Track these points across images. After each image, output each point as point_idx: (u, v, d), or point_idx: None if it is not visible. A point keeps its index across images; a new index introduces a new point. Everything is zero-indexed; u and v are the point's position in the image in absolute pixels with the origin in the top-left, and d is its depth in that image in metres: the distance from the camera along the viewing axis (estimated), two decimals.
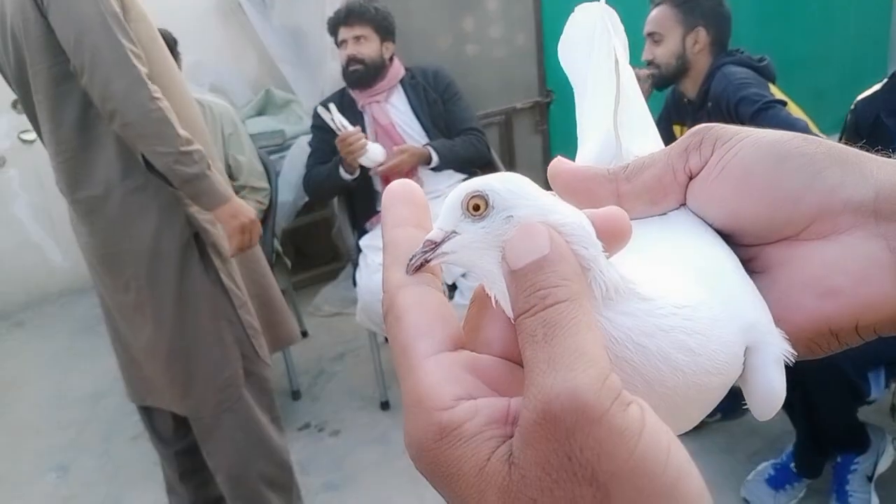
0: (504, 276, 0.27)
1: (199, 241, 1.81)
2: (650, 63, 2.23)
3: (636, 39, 2.80)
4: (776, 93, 2.12)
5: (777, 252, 0.32)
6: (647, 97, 2.25)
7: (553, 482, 0.23)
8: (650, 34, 2.22)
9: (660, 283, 0.29)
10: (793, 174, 0.31)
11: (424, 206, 0.32)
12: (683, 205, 0.34)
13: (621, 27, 0.42)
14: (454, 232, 0.29)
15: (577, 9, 0.43)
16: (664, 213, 0.35)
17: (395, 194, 0.32)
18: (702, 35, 2.18)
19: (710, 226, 0.34)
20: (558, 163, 0.35)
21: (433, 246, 0.29)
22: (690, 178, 0.33)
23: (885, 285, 0.30)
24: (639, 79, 2.19)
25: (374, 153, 2.54)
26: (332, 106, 2.56)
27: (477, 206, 0.28)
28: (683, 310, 0.29)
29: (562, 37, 0.44)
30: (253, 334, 1.93)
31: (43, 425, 2.95)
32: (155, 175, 1.69)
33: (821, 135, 2.23)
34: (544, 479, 0.23)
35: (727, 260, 0.33)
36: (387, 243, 0.31)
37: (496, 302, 0.28)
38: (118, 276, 1.78)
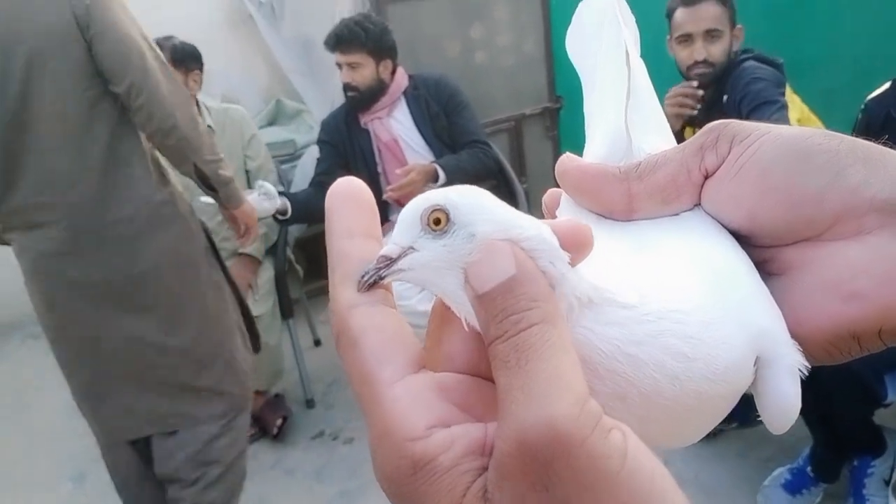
0: (470, 300, 0.25)
1: (210, 243, 1.93)
2: (702, 62, 2.17)
3: (656, 33, 2.78)
4: (787, 94, 2.12)
5: (796, 253, 0.31)
6: (694, 110, 2.23)
7: None
8: (708, 31, 2.15)
9: (646, 287, 0.28)
10: (815, 172, 0.29)
11: (373, 210, 0.30)
12: (697, 205, 0.33)
13: (632, 18, 0.41)
14: (411, 248, 0.27)
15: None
16: (676, 214, 0.33)
17: (340, 195, 0.29)
18: (741, 33, 2.18)
19: (726, 228, 0.32)
20: (567, 160, 0.34)
21: (388, 262, 0.27)
22: (706, 178, 0.32)
23: None
24: (688, 97, 2.20)
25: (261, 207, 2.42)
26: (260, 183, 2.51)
27: (438, 221, 0.26)
28: (673, 313, 0.27)
29: (569, 28, 0.43)
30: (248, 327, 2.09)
31: (60, 433, 2.96)
32: (200, 184, 1.81)
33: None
34: None
35: (740, 264, 0.31)
36: (334, 256, 0.28)
37: (467, 324, 0.26)
38: (145, 293, 1.78)
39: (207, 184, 1.80)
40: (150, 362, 1.82)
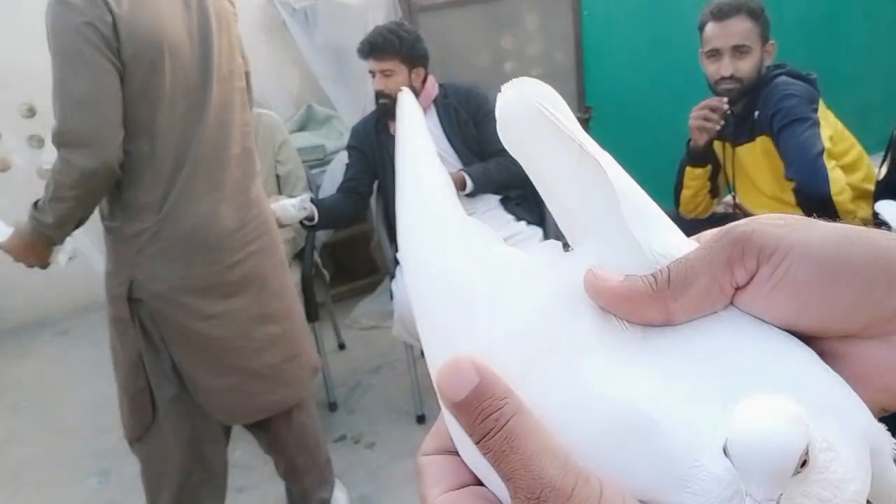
0: (446, 409, 0.31)
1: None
2: (729, 78, 2.16)
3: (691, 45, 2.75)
4: (820, 110, 2.10)
5: (829, 345, 0.33)
6: (718, 125, 2.22)
7: None
8: (736, 47, 2.14)
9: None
10: (845, 292, 0.31)
11: None
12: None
13: (562, 102, 0.38)
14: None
15: (503, 90, 0.39)
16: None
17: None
18: (773, 48, 2.17)
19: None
20: (596, 282, 0.34)
21: None
22: (737, 289, 0.33)
23: None
24: (713, 110, 2.19)
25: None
26: None
27: (804, 462, 0.26)
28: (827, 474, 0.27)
29: (498, 125, 0.39)
30: None
31: (85, 430, 3.01)
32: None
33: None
34: None
35: (810, 361, 0.32)
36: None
37: None
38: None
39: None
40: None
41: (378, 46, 2.58)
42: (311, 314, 2.81)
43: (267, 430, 2.04)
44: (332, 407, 2.91)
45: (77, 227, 1.73)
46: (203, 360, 1.83)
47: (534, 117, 0.37)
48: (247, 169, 1.86)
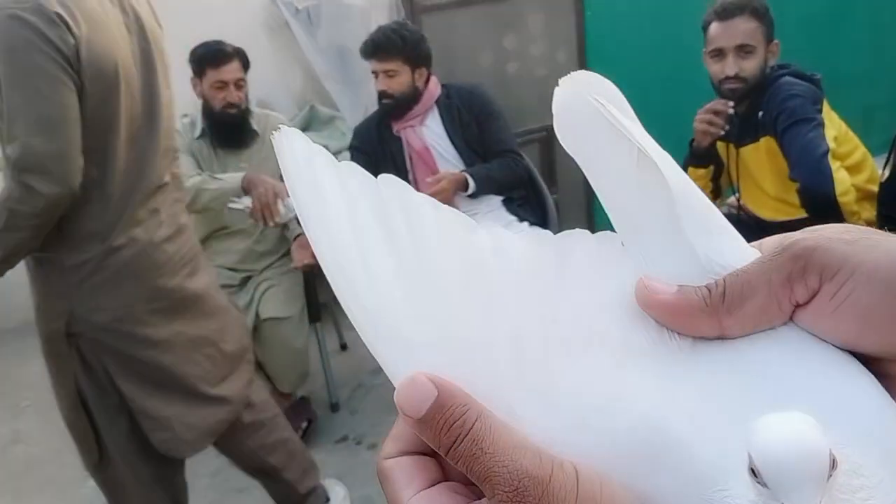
0: (411, 427, 0.31)
1: None
2: (734, 77, 2.16)
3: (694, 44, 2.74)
4: (824, 110, 2.10)
5: (890, 366, 0.32)
6: (722, 129, 2.21)
7: None
8: (740, 46, 2.14)
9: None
10: None
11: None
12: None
13: (620, 96, 0.37)
14: None
15: (561, 84, 0.37)
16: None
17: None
18: (777, 48, 2.17)
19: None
20: (647, 293, 0.33)
21: None
22: (796, 306, 0.32)
23: None
24: (718, 113, 2.19)
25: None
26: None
27: (834, 462, 0.26)
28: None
29: (555, 122, 0.38)
30: None
31: None
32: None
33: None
34: None
35: (865, 385, 0.30)
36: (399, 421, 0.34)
37: None
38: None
39: None
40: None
41: (381, 46, 2.58)
42: (314, 314, 2.81)
43: (225, 445, 2.02)
44: (334, 408, 2.91)
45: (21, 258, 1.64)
46: (152, 389, 1.77)
47: (590, 113, 0.36)
48: (177, 194, 1.85)
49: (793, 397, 0.29)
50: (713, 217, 0.35)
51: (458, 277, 0.34)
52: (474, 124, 2.71)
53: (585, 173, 0.37)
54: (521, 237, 0.35)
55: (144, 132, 1.69)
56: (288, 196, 2.53)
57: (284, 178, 0.35)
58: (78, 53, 1.49)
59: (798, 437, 0.26)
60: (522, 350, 0.32)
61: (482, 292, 0.33)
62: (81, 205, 1.59)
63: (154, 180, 1.73)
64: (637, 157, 0.35)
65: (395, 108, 2.65)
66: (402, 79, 2.60)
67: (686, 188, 0.34)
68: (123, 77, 1.60)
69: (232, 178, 2.57)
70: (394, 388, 0.32)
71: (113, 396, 1.75)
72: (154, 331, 1.74)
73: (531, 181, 2.85)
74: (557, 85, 0.37)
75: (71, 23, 1.48)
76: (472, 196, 2.63)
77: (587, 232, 0.35)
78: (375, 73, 2.63)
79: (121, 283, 1.67)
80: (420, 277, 0.34)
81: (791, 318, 0.32)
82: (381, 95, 2.64)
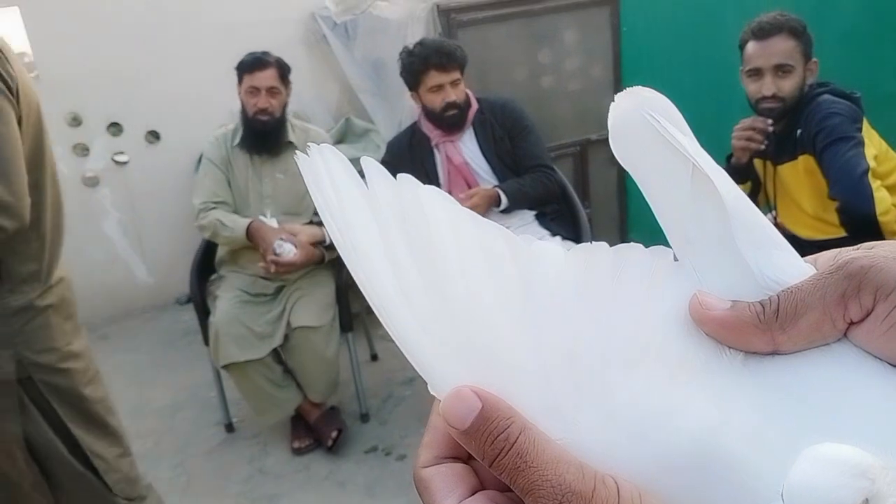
0: (457, 439, 0.31)
1: None
2: (771, 97, 2.14)
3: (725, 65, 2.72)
4: (864, 129, 2.07)
5: None
6: (762, 145, 2.20)
7: None
8: (778, 66, 2.12)
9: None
10: None
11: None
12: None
13: (676, 112, 0.37)
14: None
15: (616, 99, 0.37)
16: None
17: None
18: (815, 66, 2.15)
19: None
20: (701, 309, 0.33)
21: None
22: (850, 324, 0.32)
23: None
24: (756, 130, 2.17)
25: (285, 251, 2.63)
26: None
27: None
28: None
29: (610, 136, 0.38)
30: None
31: None
32: None
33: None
34: None
35: None
36: (430, 424, 0.36)
37: None
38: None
39: None
40: None
41: (446, 52, 2.59)
42: (346, 324, 2.83)
43: None
44: (364, 418, 2.92)
45: None
46: (97, 428, 1.73)
47: (646, 129, 0.36)
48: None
49: (850, 419, 0.30)
50: (767, 232, 0.35)
51: (511, 291, 0.34)
52: (507, 139, 2.71)
53: (640, 187, 0.37)
54: (572, 249, 0.35)
55: (55, 174, 1.68)
56: (282, 237, 2.59)
57: (314, 197, 0.36)
58: (17, 94, 1.50)
59: (828, 483, 0.26)
60: (578, 361, 0.32)
61: (535, 305, 0.34)
62: (21, 245, 1.56)
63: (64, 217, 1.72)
64: (692, 172, 0.35)
65: (460, 119, 2.65)
66: (462, 87, 2.63)
67: (740, 204, 0.35)
68: (42, 120, 1.61)
69: (240, 226, 2.69)
70: (424, 400, 0.33)
71: (65, 441, 1.68)
72: (87, 363, 1.72)
73: (564, 195, 2.84)
74: (612, 100, 0.37)
75: (10, 57, 1.49)
76: (505, 211, 2.63)
77: (640, 245, 0.35)
78: (441, 86, 2.59)
79: (59, 320, 1.65)
80: (468, 292, 0.34)
81: (845, 336, 0.32)
82: (449, 107, 2.62)
